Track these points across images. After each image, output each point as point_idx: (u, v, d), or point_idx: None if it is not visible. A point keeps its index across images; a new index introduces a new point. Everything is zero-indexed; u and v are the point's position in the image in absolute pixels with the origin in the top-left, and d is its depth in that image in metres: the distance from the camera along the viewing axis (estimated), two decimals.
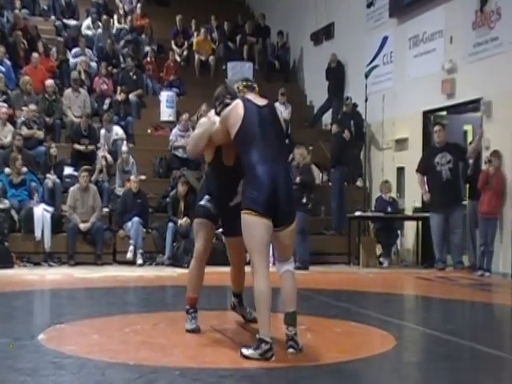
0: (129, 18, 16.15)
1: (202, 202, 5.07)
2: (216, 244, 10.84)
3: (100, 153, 11.97)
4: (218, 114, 4.91)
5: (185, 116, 12.75)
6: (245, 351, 4.25)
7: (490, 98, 10.00)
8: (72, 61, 14.33)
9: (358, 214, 11.38)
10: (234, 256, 5.36)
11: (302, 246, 10.23)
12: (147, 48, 15.48)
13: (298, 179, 10.25)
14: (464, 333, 5.26)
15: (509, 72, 9.67)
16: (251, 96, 4.72)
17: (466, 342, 4.99)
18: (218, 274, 9.66)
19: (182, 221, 10.80)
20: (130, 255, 10.64)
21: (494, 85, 9.93)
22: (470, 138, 12.03)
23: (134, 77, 14.03)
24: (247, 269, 5.12)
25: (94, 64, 14.46)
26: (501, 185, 9.57)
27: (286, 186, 4.44)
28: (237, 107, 4.58)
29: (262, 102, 4.70)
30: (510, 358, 4.75)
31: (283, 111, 13.77)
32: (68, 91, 13.16)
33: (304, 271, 9.69)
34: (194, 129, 12.76)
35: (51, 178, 11.18)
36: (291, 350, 4.38)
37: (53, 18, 16.02)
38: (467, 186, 10.47)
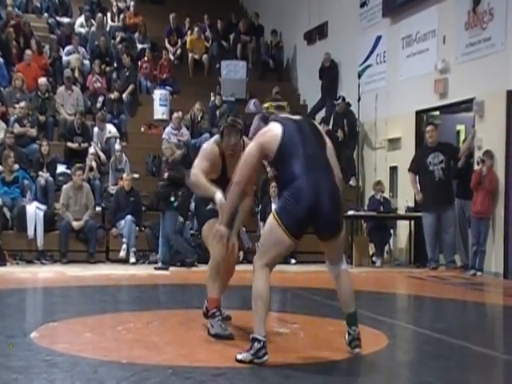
0: (122, 16, 16.14)
1: (210, 206, 5.08)
2: None
3: (91, 150, 11.95)
4: (221, 135, 5.03)
5: (177, 114, 12.75)
6: (238, 356, 4.18)
7: (483, 97, 10.03)
8: (65, 58, 14.30)
9: (350, 213, 11.39)
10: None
11: (163, 247, 10.03)
12: (140, 46, 15.47)
13: (165, 175, 10.03)
14: (456, 332, 5.27)
15: (501, 72, 9.71)
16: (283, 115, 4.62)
17: (457, 341, 5.00)
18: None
19: None
20: (122, 253, 10.63)
21: (486, 85, 9.96)
22: (462, 138, 12.06)
23: (128, 73, 14.01)
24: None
25: (87, 62, 14.44)
26: (493, 185, 9.60)
27: (331, 195, 4.21)
28: (272, 128, 4.41)
29: (296, 117, 4.59)
30: (501, 357, 4.77)
31: None
32: (61, 89, 13.13)
33: (164, 271, 9.62)
34: (187, 127, 12.91)
35: (44, 176, 11.16)
36: (358, 350, 4.34)
37: (46, 15, 15.99)
38: (456, 182, 10.47)
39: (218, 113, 13.77)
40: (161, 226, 10.16)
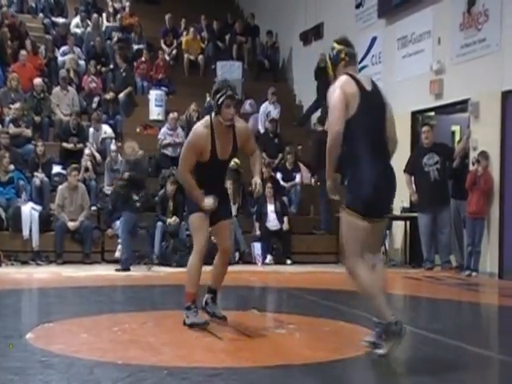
0: (118, 16, 16.12)
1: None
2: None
3: (87, 151, 11.93)
4: (219, 106, 4.99)
5: (173, 115, 12.74)
6: (380, 351, 4.22)
7: (478, 98, 10.05)
8: (60, 59, 14.29)
9: None
10: (222, 251, 5.37)
11: (126, 247, 9.87)
12: (136, 46, 15.46)
13: (126, 175, 9.85)
14: (451, 332, 5.28)
15: (496, 73, 9.73)
16: (354, 73, 4.43)
17: (453, 341, 5.01)
18: (207, 274, 9.67)
19: (171, 220, 10.78)
20: (118, 254, 10.58)
21: (481, 86, 9.98)
22: (457, 139, 12.08)
23: (124, 74, 14.00)
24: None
25: (82, 62, 14.43)
26: (488, 185, 9.62)
27: (392, 177, 4.39)
28: (350, 84, 4.28)
29: (368, 84, 4.40)
30: (496, 357, 4.78)
31: (273, 111, 13.81)
32: (56, 89, 13.11)
33: (125, 272, 9.48)
34: (182, 128, 12.90)
35: (39, 177, 11.14)
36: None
37: (41, 15, 15.96)
38: (451, 183, 10.48)
39: None
40: (121, 227, 9.97)
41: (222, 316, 5.41)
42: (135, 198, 9.77)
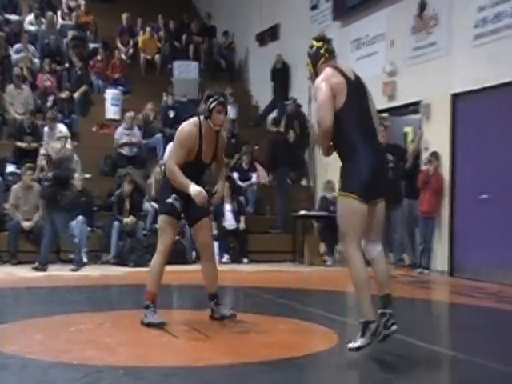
0: (73, 14, 15.90)
1: (170, 200, 5.15)
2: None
3: (42, 151, 11.75)
4: (210, 111, 5.06)
5: (130, 114, 12.64)
6: (352, 345, 4.24)
7: (429, 100, 10.23)
8: (14, 57, 14.02)
9: (302, 213, 11.48)
10: (203, 247, 5.43)
11: (45, 246, 9.63)
12: (92, 45, 15.28)
13: (49, 174, 9.66)
14: (403, 329, 5.34)
15: (446, 76, 9.91)
16: (337, 65, 4.46)
17: (405, 337, 5.08)
18: (164, 273, 9.62)
19: (128, 219, 10.71)
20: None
21: (432, 88, 10.16)
22: (410, 140, 12.25)
23: (79, 72, 13.83)
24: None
25: (36, 60, 14.18)
26: (439, 184, 9.80)
27: (385, 162, 4.54)
28: (335, 75, 4.33)
29: (350, 73, 4.45)
30: (447, 353, 4.88)
31: (230, 111, 13.78)
32: (10, 87, 12.86)
33: (42, 273, 9.28)
34: (139, 127, 12.80)
35: None
36: (395, 327, 4.32)
37: None
38: (404, 182, 10.62)
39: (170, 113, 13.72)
40: (47, 226, 9.72)
41: (232, 314, 5.43)
42: (62, 196, 9.48)
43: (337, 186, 12.87)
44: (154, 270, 5.22)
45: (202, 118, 5.19)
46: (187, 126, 5.21)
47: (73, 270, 9.44)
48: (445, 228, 9.84)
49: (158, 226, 5.38)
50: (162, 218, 5.24)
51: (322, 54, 4.54)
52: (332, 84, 4.31)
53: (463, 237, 9.59)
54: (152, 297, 5.20)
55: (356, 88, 4.41)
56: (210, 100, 5.11)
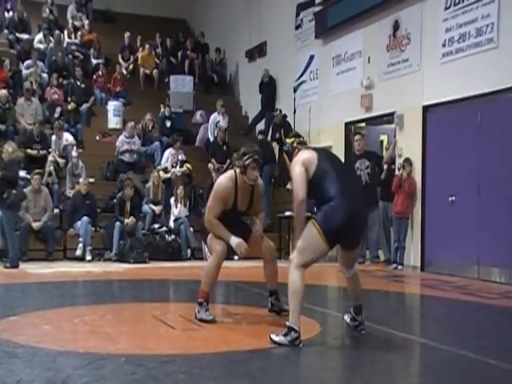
0: (78, 33, 15.89)
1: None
2: (158, 241, 10.83)
3: (50, 157, 11.74)
4: (245, 167, 5.05)
5: (131, 124, 12.63)
6: (274, 337, 4.33)
7: (402, 111, 10.28)
8: (24, 72, 13.98)
9: (288, 214, 11.49)
10: (266, 251, 5.43)
11: (11, 244, 9.29)
12: (95, 61, 15.26)
13: None
14: (379, 319, 5.39)
15: (417, 89, 9.96)
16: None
17: (380, 327, 5.12)
18: (161, 269, 9.62)
19: (128, 220, 10.69)
20: (79, 252, 10.46)
21: (405, 100, 10.21)
22: (385, 146, 12.31)
23: (83, 85, 13.83)
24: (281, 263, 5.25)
25: (45, 75, 14.14)
26: (412, 188, 9.85)
27: (360, 212, 4.61)
28: (307, 153, 4.62)
29: (320, 148, 4.90)
30: (417, 340, 4.91)
31: (221, 121, 13.82)
32: (21, 100, 12.83)
33: (14, 269, 9.09)
34: (138, 136, 12.79)
35: None
36: (364, 332, 4.74)
37: (6, 31, 15.60)
38: (379, 188, 10.69)
39: (167, 123, 13.73)
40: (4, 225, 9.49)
41: (284, 309, 5.34)
42: (6, 195, 9.17)
43: None
44: (209, 271, 5.14)
45: (237, 171, 5.15)
46: (224, 180, 5.16)
47: (6, 268, 9.18)
48: (417, 227, 9.89)
49: (208, 244, 5.29)
50: (210, 237, 5.22)
51: (294, 147, 4.83)
52: (303, 160, 4.55)
53: (433, 235, 9.65)
54: (205, 295, 5.13)
55: (326, 154, 4.74)
56: (246, 157, 5.06)
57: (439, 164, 9.58)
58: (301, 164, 4.52)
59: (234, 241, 5.06)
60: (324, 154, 4.70)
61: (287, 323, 4.33)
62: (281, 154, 12.63)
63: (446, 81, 9.39)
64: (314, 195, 4.52)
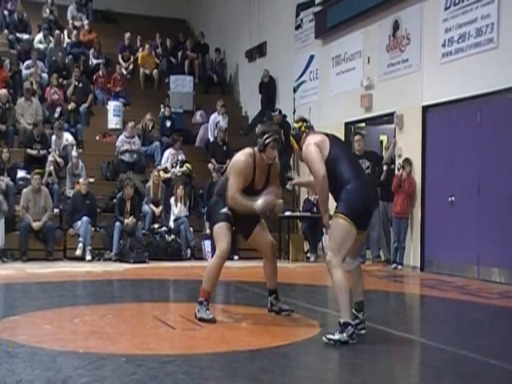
0: (78, 32, 15.87)
1: (225, 210, 5.14)
2: (158, 241, 10.83)
3: (50, 157, 11.73)
4: (264, 146, 5.00)
5: (131, 124, 12.62)
6: (332, 336, 4.36)
7: (402, 111, 10.28)
8: (24, 72, 13.97)
9: (287, 213, 11.49)
10: (263, 248, 5.41)
11: None
12: (95, 61, 15.25)
13: None
14: (379, 319, 5.38)
15: (417, 90, 9.97)
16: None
17: (381, 326, 5.11)
18: (161, 269, 9.62)
19: (128, 220, 10.69)
20: (79, 252, 10.46)
21: (405, 100, 10.21)
22: (385, 146, 12.31)
23: (80, 85, 13.82)
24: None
25: (45, 75, 14.13)
26: (411, 188, 9.85)
27: (375, 195, 4.73)
28: (318, 136, 4.69)
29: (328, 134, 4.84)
30: (418, 340, 4.91)
31: (221, 121, 13.81)
32: (21, 100, 12.82)
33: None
34: (138, 136, 12.78)
35: (5, 181, 10.86)
36: (363, 331, 4.66)
37: (6, 31, 15.59)
38: (379, 189, 10.68)
39: (167, 123, 13.72)
40: None
41: (289, 308, 5.44)
42: None
43: None
44: (211, 271, 5.11)
45: (256, 149, 5.10)
46: (243, 156, 5.11)
47: None
48: (416, 227, 9.88)
49: (214, 234, 5.22)
50: (218, 225, 5.15)
51: (303, 131, 4.85)
52: (316, 142, 4.63)
53: (433, 235, 9.64)
54: (206, 295, 5.10)
55: (335, 139, 4.78)
56: (266, 136, 5.02)
57: (439, 164, 9.58)
58: (314, 145, 4.59)
59: (257, 204, 4.97)
60: (334, 138, 4.75)
61: (342, 320, 4.38)
62: (280, 155, 12.64)
63: (445, 81, 9.39)
64: (328, 178, 4.56)
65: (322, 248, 11.76)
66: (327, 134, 4.76)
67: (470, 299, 7.02)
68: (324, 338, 4.40)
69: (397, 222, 9.95)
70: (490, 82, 8.56)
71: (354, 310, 4.70)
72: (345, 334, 4.34)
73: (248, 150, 5.17)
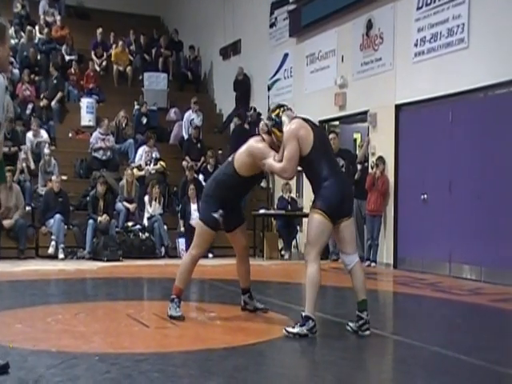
0: (50, 28, 15.67)
1: (216, 215, 5.08)
2: (132, 239, 10.76)
3: (22, 155, 11.57)
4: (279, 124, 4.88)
5: (106, 121, 12.52)
6: (291, 329, 4.41)
7: (376, 110, 10.36)
8: None
9: (262, 211, 11.51)
10: (238, 247, 5.41)
11: None
12: (68, 57, 15.08)
13: None
14: (353, 316, 5.42)
15: (390, 88, 10.05)
16: (295, 115, 4.83)
17: (353, 323, 5.14)
18: (135, 267, 9.56)
19: (102, 218, 10.60)
20: (51, 250, 10.34)
21: (378, 99, 10.29)
22: (358, 145, 12.39)
23: (55, 81, 13.66)
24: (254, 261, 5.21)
25: (16, 71, 13.93)
26: (385, 186, 9.93)
27: (350, 188, 4.93)
28: (303, 129, 4.62)
29: (313, 123, 4.83)
30: (391, 337, 4.96)
31: (195, 118, 13.77)
32: None
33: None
34: (113, 133, 12.68)
35: None
36: (368, 332, 4.61)
37: None
38: (353, 187, 10.75)
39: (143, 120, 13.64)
40: None
41: (264, 307, 5.46)
42: None
43: (293, 187, 13.02)
44: (184, 268, 5.11)
45: (263, 135, 5.02)
46: (255, 142, 5.00)
47: None
48: (390, 225, 9.98)
49: (196, 232, 5.19)
50: (203, 226, 5.11)
51: (281, 111, 4.87)
52: (300, 136, 4.59)
53: (406, 233, 9.75)
54: (178, 291, 5.10)
55: (320, 134, 4.78)
56: (279, 110, 4.94)
57: (411, 162, 9.68)
58: (296, 139, 4.57)
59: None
60: (319, 132, 4.75)
61: (303, 313, 4.43)
62: None
63: (418, 80, 9.48)
64: (306, 171, 4.67)
65: (297, 246, 11.81)
66: (313, 128, 4.68)
67: (441, 296, 7.11)
68: (284, 331, 4.44)
69: (370, 220, 10.03)
70: (462, 81, 8.67)
71: (356, 311, 4.66)
72: (304, 328, 4.40)
73: (257, 138, 5.08)
